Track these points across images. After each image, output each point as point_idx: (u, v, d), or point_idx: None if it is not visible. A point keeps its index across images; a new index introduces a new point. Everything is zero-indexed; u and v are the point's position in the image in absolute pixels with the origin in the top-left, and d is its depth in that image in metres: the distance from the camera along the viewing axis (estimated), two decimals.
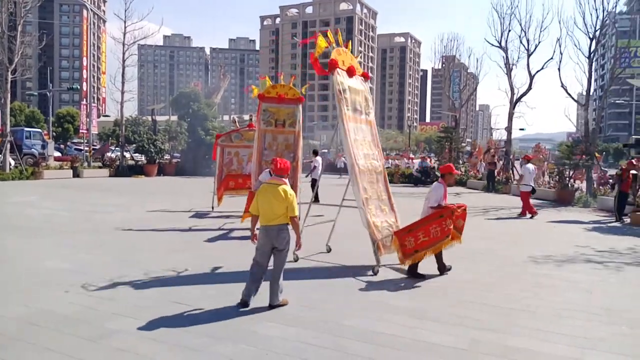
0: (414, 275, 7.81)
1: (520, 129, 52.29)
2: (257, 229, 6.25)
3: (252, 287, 6.18)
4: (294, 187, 8.59)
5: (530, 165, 16.24)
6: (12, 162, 25.82)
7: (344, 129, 8.31)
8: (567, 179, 20.71)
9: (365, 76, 9.72)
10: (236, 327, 5.54)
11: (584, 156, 20.85)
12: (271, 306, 6.11)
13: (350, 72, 9.02)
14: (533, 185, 16.10)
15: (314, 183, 19.14)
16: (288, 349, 4.96)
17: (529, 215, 15.52)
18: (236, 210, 14.14)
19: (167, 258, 8.73)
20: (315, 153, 19.91)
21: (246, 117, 18.43)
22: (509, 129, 28.06)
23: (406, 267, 7.98)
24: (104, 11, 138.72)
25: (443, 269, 8.01)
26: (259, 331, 5.42)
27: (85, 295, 6.50)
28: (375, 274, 7.88)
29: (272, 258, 6.19)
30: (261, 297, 6.19)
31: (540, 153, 27.74)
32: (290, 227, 6.13)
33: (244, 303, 6.14)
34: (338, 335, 5.35)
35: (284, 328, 5.53)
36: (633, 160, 17.34)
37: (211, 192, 15.84)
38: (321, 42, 8.52)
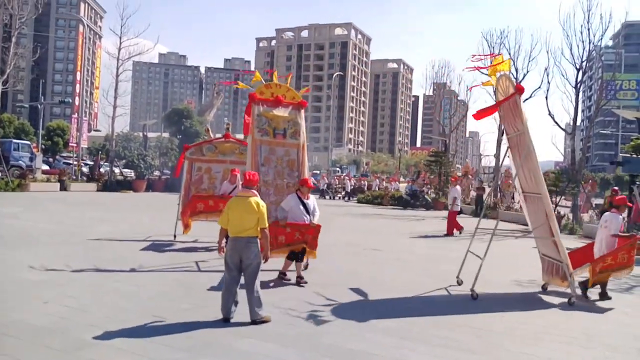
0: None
1: (509, 156, 52.89)
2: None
3: (229, 301, 6.09)
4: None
5: (458, 187, 17.39)
6: None
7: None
8: (554, 205, 20.83)
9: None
10: (215, 341, 5.45)
11: (569, 184, 21.08)
12: (254, 322, 6.02)
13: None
14: (459, 205, 17.12)
15: None
16: None
17: (457, 233, 16.42)
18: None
19: (146, 271, 8.64)
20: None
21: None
22: (497, 156, 28.34)
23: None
24: (100, 27, 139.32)
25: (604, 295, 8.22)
26: (238, 347, 5.34)
27: (62, 307, 6.39)
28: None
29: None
30: (244, 312, 6.12)
31: (509, 178, 28.27)
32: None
33: (225, 319, 6.06)
34: (316, 352, 5.28)
35: (263, 344, 5.45)
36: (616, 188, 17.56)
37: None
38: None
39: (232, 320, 6.06)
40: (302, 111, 10.38)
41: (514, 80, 8.15)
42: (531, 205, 8.97)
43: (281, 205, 8.47)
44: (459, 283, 8.78)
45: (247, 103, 9.84)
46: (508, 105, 8.26)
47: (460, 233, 16.43)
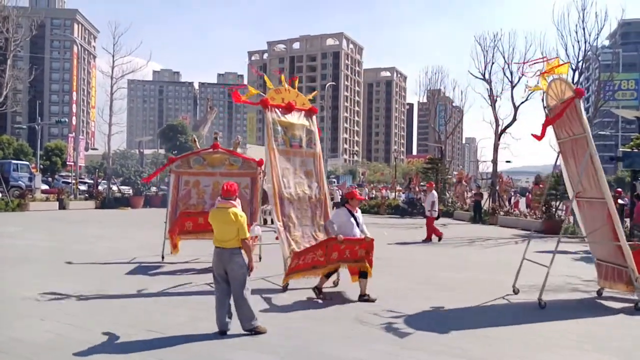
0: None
1: (507, 162, 52.85)
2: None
3: (222, 314, 6.06)
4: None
5: (434, 193, 17.41)
6: None
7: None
8: (554, 209, 20.82)
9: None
10: (210, 354, 5.43)
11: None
12: (249, 331, 5.99)
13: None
14: (437, 211, 16.96)
15: None
16: None
17: (436, 239, 16.39)
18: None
19: (145, 286, 8.62)
20: None
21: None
22: (494, 161, 28.36)
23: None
24: (94, 47, 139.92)
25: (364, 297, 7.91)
26: (235, 359, 5.31)
27: (59, 324, 6.36)
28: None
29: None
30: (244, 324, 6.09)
31: (503, 183, 29.85)
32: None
33: (222, 332, 6.03)
34: None
35: (259, 356, 5.43)
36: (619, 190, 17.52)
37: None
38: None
39: (228, 333, 6.03)
40: (314, 117, 10.01)
41: (570, 83, 7.90)
42: (588, 210, 8.74)
43: (330, 220, 8.10)
44: (516, 292, 8.69)
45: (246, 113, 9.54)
46: (564, 109, 7.95)
47: (439, 240, 16.36)
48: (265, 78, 10.11)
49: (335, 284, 8.76)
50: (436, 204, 16.81)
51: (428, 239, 16.43)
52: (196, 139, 13.71)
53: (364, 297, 7.84)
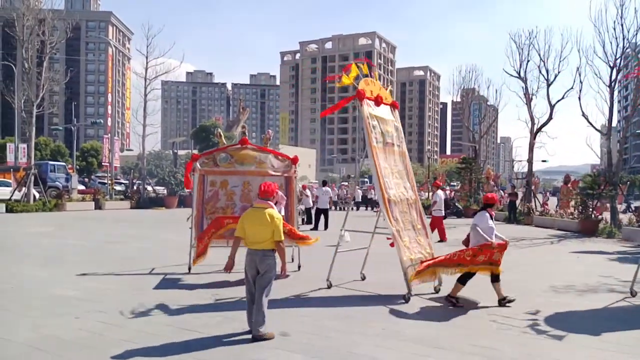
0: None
1: (543, 161, 51.78)
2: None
3: (252, 314, 5.94)
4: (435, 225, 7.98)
5: (440, 192, 17.20)
6: (37, 195, 26.31)
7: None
8: (591, 209, 20.26)
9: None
10: (241, 354, 5.40)
11: (607, 185, 20.41)
12: (256, 338, 5.76)
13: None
14: (443, 210, 16.70)
15: (318, 212, 19.38)
16: None
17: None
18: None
19: (177, 287, 8.68)
20: (325, 183, 21.24)
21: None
22: (530, 160, 27.79)
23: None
24: (128, 49, 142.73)
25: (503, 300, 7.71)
26: (265, 358, 5.27)
27: (93, 322, 6.43)
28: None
29: None
30: (273, 324, 6.05)
31: (489, 179, 30.67)
32: (276, 252, 5.93)
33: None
34: None
35: (289, 354, 5.38)
36: None
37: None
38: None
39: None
40: (397, 112, 9.45)
41: None
42: None
43: (478, 224, 7.76)
44: (633, 294, 8.47)
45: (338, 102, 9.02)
46: None
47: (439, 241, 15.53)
48: (364, 68, 8.48)
49: (437, 290, 8.44)
50: (438, 204, 16.52)
51: (443, 239, 15.92)
52: (221, 133, 11.99)
53: (503, 301, 7.69)
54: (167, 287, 8.63)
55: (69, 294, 7.93)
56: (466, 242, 8.10)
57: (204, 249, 9.57)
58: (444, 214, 16.63)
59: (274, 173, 10.49)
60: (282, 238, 5.91)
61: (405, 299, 7.70)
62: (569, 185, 25.29)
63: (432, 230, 15.96)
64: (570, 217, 21.66)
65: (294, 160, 10.74)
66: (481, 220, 7.81)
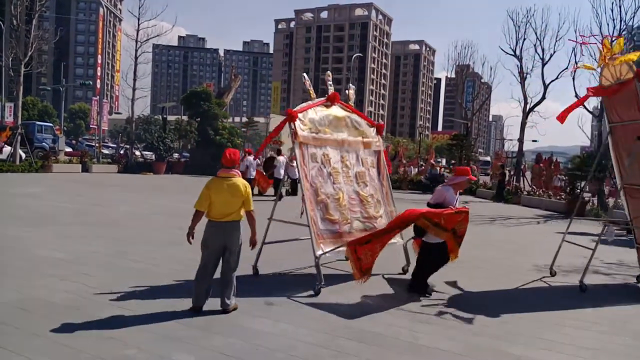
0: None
1: (533, 141, 52.08)
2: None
3: (202, 292, 5.64)
4: None
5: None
6: (23, 155, 25.99)
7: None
8: (579, 190, 20.42)
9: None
10: (227, 321, 5.43)
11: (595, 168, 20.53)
12: (224, 310, 5.60)
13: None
14: None
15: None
16: (278, 344, 4.84)
17: None
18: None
19: (164, 251, 8.68)
20: (279, 152, 20.69)
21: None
22: (520, 139, 27.89)
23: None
24: (120, 10, 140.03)
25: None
26: (250, 326, 5.30)
27: (80, 285, 6.40)
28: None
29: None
30: (254, 290, 6.07)
31: (499, 160, 29.59)
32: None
33: (197, 308, 5.60)
34: (333, 334, 5.21)
35: (275, 324, 5.42)
36: None
37: None
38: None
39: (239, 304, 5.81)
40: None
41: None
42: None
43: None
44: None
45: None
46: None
47: None
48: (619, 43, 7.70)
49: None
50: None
51: None
52: (306, 77, 8.15)
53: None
54: (155, 251, 8.61)
55: (55, 256, 7.88)
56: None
57: (368, 267, 6.67)
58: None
59: (374, 145, 8.47)
60: (253, 208, 5.71)
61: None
62: (541, 164, 25.62)
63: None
64: (557, 197, 21.86)
65: (380, 128, 8.75)
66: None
